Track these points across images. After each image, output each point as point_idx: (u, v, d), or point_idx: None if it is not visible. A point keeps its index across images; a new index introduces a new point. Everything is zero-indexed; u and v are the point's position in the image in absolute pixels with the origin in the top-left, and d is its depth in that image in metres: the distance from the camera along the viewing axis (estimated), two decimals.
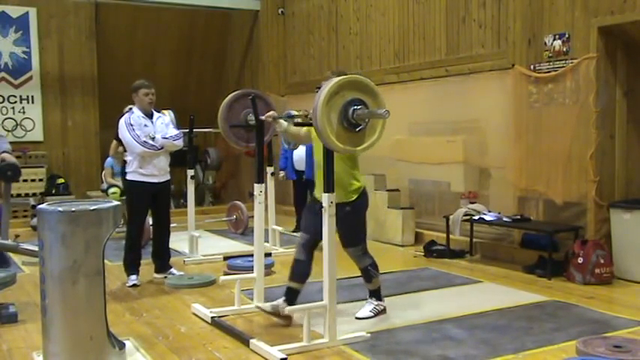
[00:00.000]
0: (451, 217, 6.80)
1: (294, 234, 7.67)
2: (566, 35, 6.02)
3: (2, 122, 10.07)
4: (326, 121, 3.70)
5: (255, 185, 4.78)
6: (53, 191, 10.17)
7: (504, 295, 5.25)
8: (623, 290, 5.38)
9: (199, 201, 10.72)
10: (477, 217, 6.56)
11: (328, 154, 3.96)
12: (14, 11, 10.11)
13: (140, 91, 5.72)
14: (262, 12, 10.90)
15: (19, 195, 9.26)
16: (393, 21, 8.29)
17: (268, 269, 5.87)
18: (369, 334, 4.15)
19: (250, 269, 4.93)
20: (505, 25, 6.69)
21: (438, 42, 7.58)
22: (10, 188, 4.97)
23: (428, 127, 7.75)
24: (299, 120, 4.60)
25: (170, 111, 6.12)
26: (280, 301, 4.47)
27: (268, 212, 7.18)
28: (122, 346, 3.69)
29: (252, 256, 4.91)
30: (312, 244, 4.47)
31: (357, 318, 4.50)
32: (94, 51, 10.75)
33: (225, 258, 6.60)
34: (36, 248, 3.88)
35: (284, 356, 3.74)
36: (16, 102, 10.18)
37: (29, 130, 10.33)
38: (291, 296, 4.48)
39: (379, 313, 4.60)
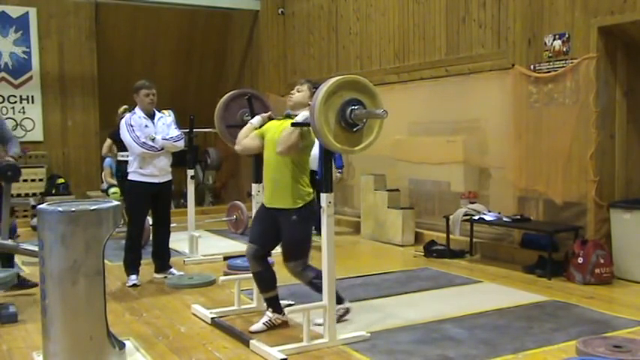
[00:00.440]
0: (451, 217, 6.80)
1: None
2: (566, 35, 6.02)
3: None
4: (323, 121, 3.69)
5: (253, 185, 4.78)
6: (53, 191, 10.18)
7: (504, 295, 5.25)
8: (623, 290, 5.38)
9: (199, 201, 10.72)
10: (477, 217, 6.56)
11: (325, 156, 3.95)
12: (14, 11, 10.11)
13: (141, 92, 5.73)
14: (262, 12, 10.89)
15: (19, 195, 9.26)
16: (393, 21, 8.29)
17: None
18: (369, 334, 4.15)
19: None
20: (505, 25, 6.69)
21: (438, 42, 7.58)
22: (10, 188, 4.98)
23: (428, 127, 7.75)
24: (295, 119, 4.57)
25: (170, 111, 6.11)
26: (269, 313, 4.40)
27: None
28: (122, 346, 3.70)
29: None
30: (261, 253, 4.35)
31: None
32: (94, 51, 10.75)
33: (225, 258, 6.60)
34: (36, 248, 3.88)
35: (284, 356, 3.74)
36: (16, 102, 10.18)
37: (29, 130, 10.34)
38: (273, 303, 4.42)
39: (344, 314, 4.45)
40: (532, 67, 6.34)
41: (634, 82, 5.96)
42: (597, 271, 5.49)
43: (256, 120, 4.45)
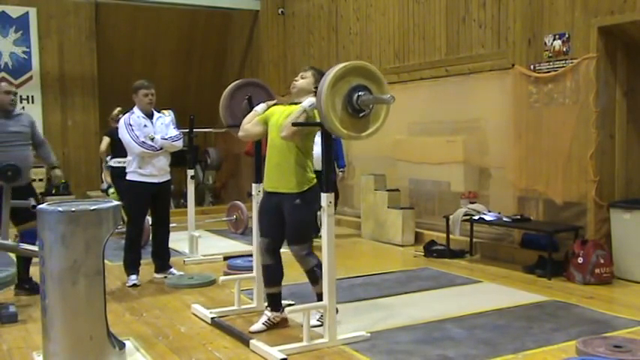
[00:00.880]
0: (451, 217, 6.79)
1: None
2: (566, 35, 6.02)
3: None
4: (330, 107, 3.69)
5: (254, 185, 4.77)
6: (53, 191, 10.17)
7: (504, 295, 5.25)
8: (623, 290, 5.38)
9: (199, 201, 10.73)
10: (477, 217, 6.56)
11: (327, 145, 3.94)
12: (14, 11, 10.11)
13: (140, 92, 5.73)
14: (262, 12, 10.90)
15: None
16: (393, 21, 8.29)
17: None
18: (369, 334, 4.15)
19: (250, 269, 4.93)
20: (505, 25, 6.69)
21: (438, 42, 7.58)
22: (10, 188, 4.98)
23: (428, 127, 7.75)
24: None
25: (170, 111, 6.11)
26: (267, 312, 4.41)
27: None
28: (122, 346, 3.69)
29: (252, 256, 4.91)
30: (274, 247, 4.35)
31: (312, 327, 4.13)
32: (94, 51, 10.76)
33: (225, 258, 6.60)
34: (36, 248, 3.88)
35: (284, 356, 3.74)
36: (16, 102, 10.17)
37: None
38: (274, 301, 4.41)
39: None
40: (532, 67, 6.34)
41: (634, 82, 5.96)
42: (597, 271, 5.49)
43: (260, 107, 4.45)
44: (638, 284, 5.49)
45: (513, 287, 5.49)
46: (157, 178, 5.73)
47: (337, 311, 4.14)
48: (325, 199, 3.93)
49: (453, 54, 7.39)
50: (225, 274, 5.81)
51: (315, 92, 4.04)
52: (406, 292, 5.36)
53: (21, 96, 10.18)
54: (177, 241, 6.79)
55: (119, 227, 4.15)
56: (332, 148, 4.03)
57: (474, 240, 6.88)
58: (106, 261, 3.67)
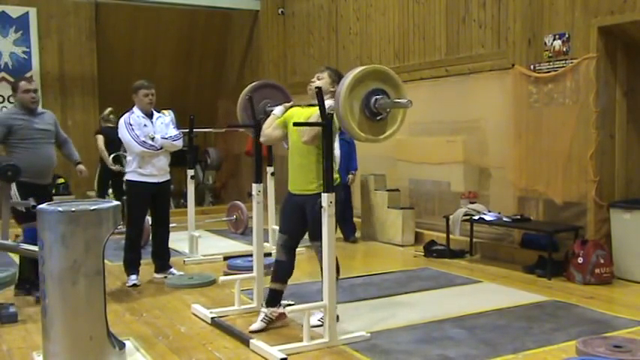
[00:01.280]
0: (451, 217, 6.79)
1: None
2: (566, 35, 6.02)
3: None
4: (348, 110, 3.73)
5: (254, 185, 4.78)
6: (53, 191, 10.17)
7: (504, 295, 5.25)
8: (623, 290, 5.38)
9: (199, 201, 10.72)
10: (477, 217, 6.56)
11: (327, 147, 3.95)
12: (14, 11, 10.11)
13: (140, 92, 5.73)
14: (262, 12, 10.90)
15: None
16: (393, 21, 8.29)
17: (268, 269, 5.83)
18: (369, 334, 4.15)
19: (250, 269, 4.93)
20: (505, 25, 6.69)
21: (438, 42, 7.58)
22: (10, 188, 4.98)
23: (428, 127, 7.75)
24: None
25: (170, 111, 6.12)
26: (264, 309, 4.43)
27: (268, 212, 7.18)
28: (122, 346, 3.69)
29: (252, 256, 4.91)
30: (291, 244, 4.39)
31: (312, 326, 4.12)
32: (94, 51, 10.76)
33: (225, 258, 6.60)
34: (36, 248, 3.88)
35: (284, 356, 3.74)
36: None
37: None
38: (275, 297, 4.43)
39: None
40: (532, 67, 6.34)
41: (634, 82, 5.96)
42: (597, 271, 5.49)
43: (279, 110, 4.46)
44: (638, 284, 5.49)
45: (513, 287, 5.49)
46: (156, 178, 5.73)
47: (338, 319, 4.14)
48: (325, 199, 3.93)
49: (452, 54, 7.39)
50: (225, 274, 5.81)
51: (332, 92, 4.12)
52: (406, 292, 5.36)
53: None
54: (177, 241, 6.79)
55: (119, 227, 4.14)
56: (332, 148, 4.03)
57: (474, 240, 6.88)
58: (106, 261, 3.68)
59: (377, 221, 7.85)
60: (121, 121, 5.72)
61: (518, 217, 6.36)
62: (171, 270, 6.00)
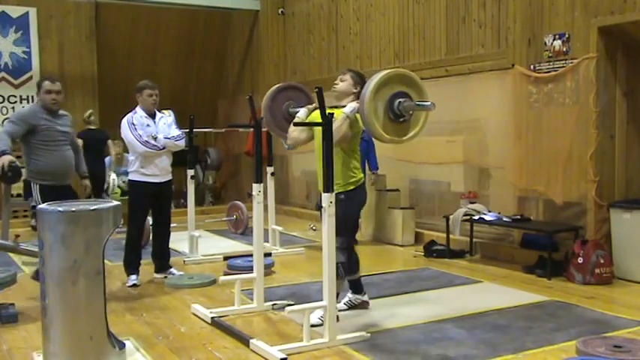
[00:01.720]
0: (451, 217, 6.79)
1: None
2: (566, 35, 6.02)
3: (2, 122, 10.07)
4: (373, 111, 3.81)
5: (254, 185, 4.78)
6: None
7: (504, 295, 5.25)
8: (623, 290, 5.38)
9: (199, 201, 10.72)
10: (477, 217, 6.56)
11: (327, 151, 3.97)
12: (14, 11, 10.11)
13: (144, 92, 5.74)
14: (262, 12, 10.90)
15: (19, 195, 9.25)
16: (393, 21, 8.29)
17: (268, 269, 5.87)
18: (369, 334, 4.15)
19: (250, 269, 4.93)
20: (505, 25, 6.69)
21: (438, 42, 7.58)
22: (10, 189, 4.98)
23: (428, 127, 7.62)
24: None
25: (170, 111, 6.12)
26: (349, 294, 4.74)
27: (268, 212, 7.18)
28: (122, 346, 3.69)
29: (252, 256, 4.91)
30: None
31: (312, 326, 4.13)
32: (94, 51, 10.75)
33: (225, 258, 6.60)
34: (36, 248, 3.88)
35: (284, 356, 3.74)
36: (16, 102, 10.17)
37: None
38: (355, 285, 4.74)
39: (354, 307, 4.49)
40: (532, 67, 6.34)
41: (634, 82, 5.96)
42: (597, 271, 5.49)
43: (302, 113, 4.52)
44: (638, 284, 5.49)
45: (513, 287, 5.49)
46: (158, 178, 5.74)
47: (338, 319, 4.15)
48: (325, 199, 3.94)
49: (452, 54, 7.39)
50: (225, 274, 5.81)
51: (355, 93, 4.29)
52: (406, 292, 5.36)
53: (21, 96, 10.20)
54: (177, 241, 6.79)
55: (120, 226, 4.14)
56: (332, 148, 4.04)
57: (474, 240, 6.88)
58: (106, 261, 3.68)
59: (377, 221, 7.85)
60: (124, 121, 5.72)
61: (518, 217, 6.37)
62: (172, 270, 6.00)
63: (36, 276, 5.14)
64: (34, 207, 4.26)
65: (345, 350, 3.93)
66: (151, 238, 6.33)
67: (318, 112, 4.47)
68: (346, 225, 4.40)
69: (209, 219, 9.32)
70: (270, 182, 7.46)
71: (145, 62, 11.34)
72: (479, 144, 7.08)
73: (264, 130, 5.03)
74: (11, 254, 6.61)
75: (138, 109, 5.78)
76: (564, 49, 6.04)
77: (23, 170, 5.03)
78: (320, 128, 4.28)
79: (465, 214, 6.68)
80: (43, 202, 4.39)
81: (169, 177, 5.86)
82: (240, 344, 4.08)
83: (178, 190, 10.15)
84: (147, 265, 5.97)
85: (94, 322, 3.48)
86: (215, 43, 11.98)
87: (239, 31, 11.66)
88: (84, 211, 3.44)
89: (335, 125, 4.15)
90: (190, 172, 7.06)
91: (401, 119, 3.91)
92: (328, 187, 3.95)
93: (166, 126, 5.84)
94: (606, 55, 5.82)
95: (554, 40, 6.13)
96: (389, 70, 3.95)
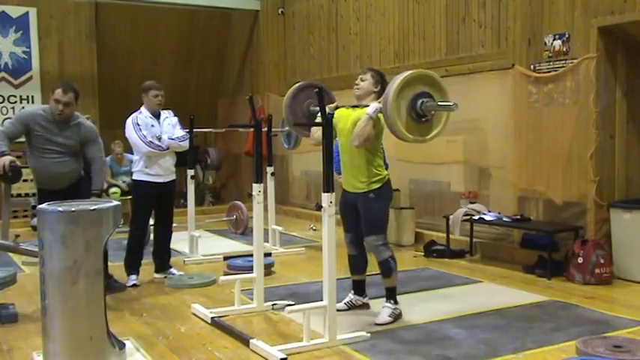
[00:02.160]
0: (451, 217, 6.79)
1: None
2: (566, 35, 6.02)
3: (2, 122, 10.06)
4: (396, 111, 3.85)
5: (254, 185, 4.78)
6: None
7: (504, 295, 5.25)
8: (623, 290, 5.38)
9: (199, 201, 10.72)
10: (477, 217, 6.56)
11: (328, 149, 3.97)
12: (14, 11, 10.10)
13: (150, 92, 5.75)
14: (262, 12, 10.90)
15: (19, 195, 9.24)
16: (393, 21, 8.29)
17: (268, 269, 5.87)
18: (369, 334, 4.15)
19: (250, 269, 4.93)
20: (505, 25, 6.69)
21: (438, 42, 7.58)
22: (10, 189, 4.98)
23: None
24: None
25: (170, 111, 6.12)
26: (350, 295, 4.81)
27: (268, 212, 7.18)
28: (122, 346, 3.70)
29: (252, 256, 4.91)
30: (357, 239, 4.64)
31: (376, 324, 4.40)
32: (94, 51, 10.74)
33: (225, 258, 6.60)
34: (36, 248, 3.88)
35: (284, 356, 3.74)
36: (16, 102, 10.17)
37: None
38: (358, 286, 4.82)
39: (397, 317, 4.51)
40: (532, 67, 6.34)
41: (634, 82, 5.95)
42: (597, 271, 5.49)
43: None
44: (638, 284, 5.49)
45: (513, 287, 5.49)
46: (162, 178, 5.75)
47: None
48: (325, 199, 3.94)
49: (452, 54, 7.39)
50: (225, 274, 5.80)
51: (376, 93, 4.39)
52: (406, 292, 5.35)
53: (21, 96, 10.20)
54: (177, 241, 6.77)
55: (119, 226, 4.14)
56: (332, 148, 4.05)
57: (474, 240, 6.87)
58: None
59: None
60: (129, 121, 5.74)
61: (518, 217, 6.36)
62: (172, 270, 6.00)
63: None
64: (34, 207, 4.25)
65: (345, 350, 3.93)
66: (152, 237, 6.33)
67: (339, 111, 4.54)
68: (382, 222, 4.54)
69: (209, 219, 9.32)
70: (270, 182, 7.46)
71: (145, 62, 11.34)
72: (479, 144, 7.08)
73: (264, 130, 5.04)
74: (11, 254, 6.61)
75: (142, 109, 5.80)
76: (564, 49, 6.04)
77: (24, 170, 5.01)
78: (344, 127, 4.44)
79: (465, 214, 6.68)
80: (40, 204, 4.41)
81: (173, 177, 5.88)
82: (240, 344, 4.08)
83: (179, 190, 10.15)
84: (147, 265, 5.97)
85: (94, 322, 3.48)
86: (215, 43, 11.98)
87: (239, 31, 11.66)
88: (84, 211, 3.44)
89: (358, 127, 4.26)
90: (190, 172, 7.07)
91: (423, 119, 3.96)
92: (328, 187, 3.95)
93: (171, 126, 5.85)
94: (606, 55, 5.81)
95: (554, 40, 6.13)
96: (412, 71, 3.99)
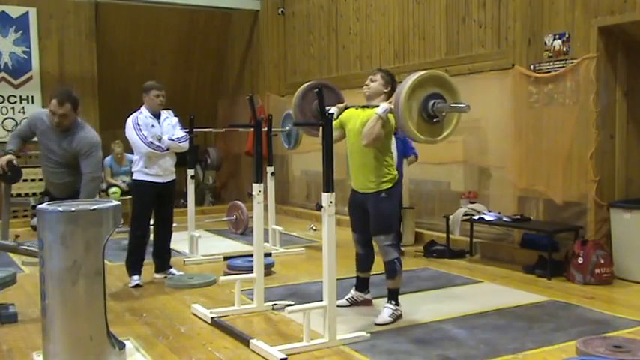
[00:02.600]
0: (451, 217, 6.79)
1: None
2: (566, 35, 6.02)
3: (2, 122, 10.07)
4: (407, 112, 3.86)
5: (254, 185, 4.78)
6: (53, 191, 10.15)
7: (504, 295, 5.25)
8: (623, 290, 5.38)
9: (199, 201, 10.72)
10: (476, 217, 6.56)
11: (328, 149, 3.97)
12: (14, 11, 10.10)
13: (152, 92, 5.75)
14: (262, 12, 10.90)
15: (19, 195, 9.24)
16: (393, 21, 8.29)
17: (268, 269, 5.87)
18: (369, 334, 4.15)
19: (250, 269, 4.93)
20: (505, 25, 6.69)
21: (438, 42, 7.58)
22: (10, 189, 4.98)
23: None
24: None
25: (170, 111, 6.12)
26: (352, 291, 4.90)
27: (268, 212, 7.18)
28: (122, 346, 3.69)
29: (252, 256, 4.91)
30: (364, 238, 4.69)
31: (376, 324, 4.41)
32: (94, 51, 10.74)
33: (225, 258, 6.60)
34: (36, 248, 3.88)
35: (284, 356, 3.74)
36: (16, 102, 10.17)
37: None
38: (361, 282, 4.91)
39: (397, 318, 4.52)
40: (532, 67, 6.34)
41: (634, 82, 5.96)
42: (597, 271, 5.49)
43: (333, 111, 4.54)
44: (638, 284, 5.49)
45: (513, 287, 5.49)
46: (162, 178, 5.75)
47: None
48: (325, 199, 3.94)
49: (453, 54, 7.39)
50: (225, 274, 5.81)
51: (385, 93, 4.43)
52: (406, 292, 5.35)
53: (21, 96, 10.19)
54: (177, 241, 6.77)
55: (119, 226, 4.14)
56: (332, 147, 4.04)
57: (474, 240, 6.88)
58: (106, 261, 3.67)
59: None
60: (129, 121, 5.73)
61: (518, 217, 6.36)
62: (172, 270, 6.00)
63: None
64: (34, 207, 4.24)
65: (345, 350, 3.93)
66: (152, 237, 6.33)
67: (348, 111, 4.54)
68: (391, 222, 4.58)
69: (209, 219, 9.32)
70: (270, 182, 7.46)
71: (145, 62, 11.34)
72: (479, 144, 7.08)
73: (264, 130, 5.04)
74: (11, 254, 6.61)
75: (143, 109, 5.79)
76: (564, 49, 6.04)
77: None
78: (354, 127, 4.46)
79: (465, 214, 6.68)
80: None
81: (172, 177, 5.87)
82: (240, 344, 4.08)
83: (178, 190, 10.14)
84: (147, 264, 5.96)
85: (94, 322, 3.48)
86: (215, 43, 11.98)
87: (239, 31, 11.66)
88: (84, 211, 3.44)
89: (368, 126, 4.28)
90: (190, 172, 7.06)
91: (434, 120, 3.97)
92: (328, 187, 3.95)
93: (171, 127, 5.85)
94: (606, 55, 5.81)
95: (554, 40, 6.13)
96: (424, 72, 3.99)
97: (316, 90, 4.12)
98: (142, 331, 4.39)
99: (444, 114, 3.99)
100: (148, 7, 10.73)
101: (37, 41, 10.26)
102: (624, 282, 5.58)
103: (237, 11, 11.20)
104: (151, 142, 5.65)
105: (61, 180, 4.94)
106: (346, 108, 4.60)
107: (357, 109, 4.55)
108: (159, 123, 5.77)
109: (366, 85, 4.57)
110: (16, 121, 10.16)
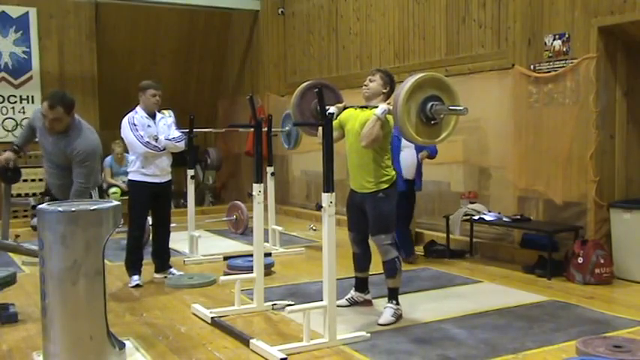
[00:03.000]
0: (451, 217, 6.79)
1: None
2: (566, 35, 6.02)
3: (2, 122, 10.07)
4: (406, 114, 3.86)
5: (254, 185, 4.78)
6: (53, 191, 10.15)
7: (504, 295, 5.25)
8: (623, 290, 5.38)
9: (199, 201, 10.72)
10: (476, 217, 6.56)
11: (328, 149, 3.98)
12: (14, 11, 10.10)
13: (148, 92, 5.73)
14: (262, 12, 10.90)
15: (19, 195, 9.25)
16: (393, 21, 8.29)
17: (268, 269, 5.87)
18: (369, 334, 4.15)
19: (250, 269, 4.93)
20: (505, 25, 6.69)
21: (438, 42, 7.58)
22: (10, 189, 4.98)
23: None
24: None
25: (170, 111, 6.12)
26: (352, 292, 4.91)
27: (268, 212, 7.18)
28: (122, 346, 3.70)
29: (252, 256, 4.91)
30: (360, 238, 4.73)
31: (379, 324, 4.42)
32: (94, 51, 10.75)
33: (225, 258, 6.60)
34: (36, 248, 3.88)
35: (284, 356, 3.74)
36: (16, 102, 10.17)
37: None
38: (360, 283, 4.92)
39: (398, 318, 4.52)
40: (532, 67, 6.34)
41: (634, 82, 5.96)
42: (597, 271, 5.49)
43: (332, 111, 4.52)
44: (638, 284, 5.49)
45: (513, 287, 5.49)
46: (158, 178, 5.74)
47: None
48: (325, 199, 3.94)
49: (453, 54, 7.39)
50: (225, 274, 5.80)
51: (384, 94, 4.45)
52: (406, 292, 5.35)
53: (21, 96, 10.19)
54: (177, 241, 6.79)
55: (119, 226, 4.14)
56: (332, 147, 4.05)
57: (474, 240, 6.88)
58: (106, 261, 3.68)
59: None
60: (125, 120, 5.72)
61: (518, 217, 6.36)
62: (171, 270, 6.00)
63: None
64: (34, 207, 4.25)
65: (345, 350, 3.93)
66: (150, 238, 6.33)
67: (347, 111, 4.54)
68: (390, 221, 4.56)
69: (209, 219, 9.32)
70: (270, 182, 7.45)
71: (145, 62, 11.34)
72: (479, 144, 7.08)
73: (264, 130, 5.04)
74: (11, 254, 6.61)
75: (138, 108, 5.77)
76: (564, 49, 6.04)
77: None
78: (353, 128, 4.48)
79: (465, 214, 6.68)
80: None
81: (169, 177, 5.87)
82: (240, 344, 4.08)
83: (178, 190, 10.17)
84: (147, 265, 5.96)
85: (94, 322, 3.48)
86: (215, 43, 11.98)
87: (239, 31, 11.66)
88: (84, 211, 3.44)
89: (367, 127, 4.29)
90: (190, 172, 7.06)
91: (432, 122, 3.97)
92: (328, 187, 3.95)
93: (166, 127, 5.84)
94: (606, 55, 5.81)
95: (554, 40, 6.13)
96: (423, 74, 3.99)
97: (316, 90, 4.12)
98: (142, 331, 4.39)
99: (441, 116, 3.99)
100: (147, 7, 10.73)
101: (37, 41, 10.26)
102: (624, 282, 5.58)
103: (237, 11, 11.20)
104: (148, 142, 5.64)
105: (60, 180, 4.91)
106: (345, 108, 4.60)
107: (356, 109, 4.55)
108: (154, 122, 5.76)
109: (365, 85, 4.57)
110: (16, 121, 10.17)
